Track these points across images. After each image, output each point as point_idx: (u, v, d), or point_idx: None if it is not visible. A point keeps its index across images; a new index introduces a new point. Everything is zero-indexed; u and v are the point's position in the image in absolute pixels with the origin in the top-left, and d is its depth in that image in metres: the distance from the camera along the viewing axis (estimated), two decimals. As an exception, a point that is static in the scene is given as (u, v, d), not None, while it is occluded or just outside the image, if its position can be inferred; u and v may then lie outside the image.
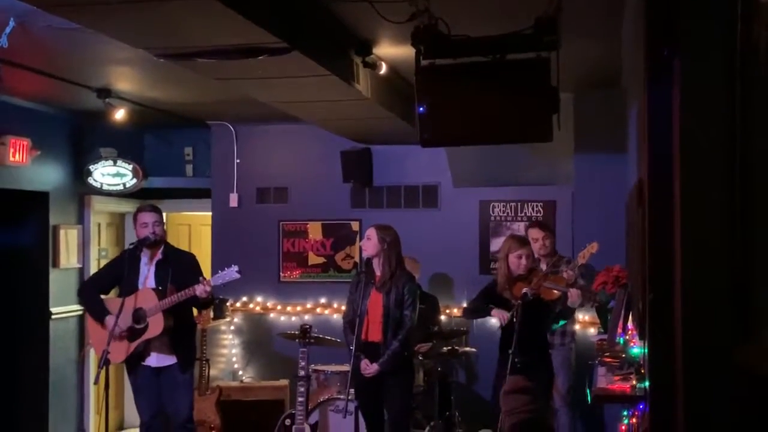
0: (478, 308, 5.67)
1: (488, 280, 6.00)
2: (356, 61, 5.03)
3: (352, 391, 5.37)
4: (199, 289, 5.15)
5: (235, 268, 5.23)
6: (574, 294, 5.38)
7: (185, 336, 5.50)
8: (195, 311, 5.81)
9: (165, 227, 5.79)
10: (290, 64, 4.40)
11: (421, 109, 3.96)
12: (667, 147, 2.58)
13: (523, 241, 5.52)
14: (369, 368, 5.33)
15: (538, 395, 5.21)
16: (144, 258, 5.46)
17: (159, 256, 5.45)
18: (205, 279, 5.21)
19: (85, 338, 7.47)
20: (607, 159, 6.36)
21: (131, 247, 5.44)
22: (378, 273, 5.43)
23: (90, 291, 5.63)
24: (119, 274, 5.42)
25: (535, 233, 6.34)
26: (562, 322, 6.13)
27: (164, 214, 6.02)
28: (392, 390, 5.39)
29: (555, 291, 5.29)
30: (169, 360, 5.41)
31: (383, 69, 5.31)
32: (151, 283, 5.39)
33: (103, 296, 5.56)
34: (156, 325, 5.24)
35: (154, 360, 5.40)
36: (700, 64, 2.39)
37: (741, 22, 2.26)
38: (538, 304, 5.25)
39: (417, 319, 5.46)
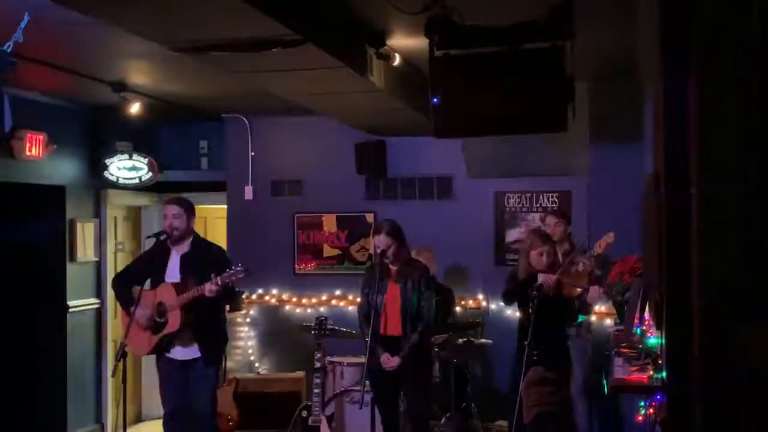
0: (515, 288, 5.45)
1: (503, 271, 5.96)
2: (370, 53, 5.01)
3: (367, 382, 5.37)
4: (207, 288, 5.15)
5: (242, 267, 5.18)
6: (595, 291, 5.34)
7: (209, 330, 5.43)
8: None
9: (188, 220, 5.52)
10: (304, 57, 4.39)
11: (435, 99, 3.95)
12: (683, 137, 2.56)
13: (545, 238, 5.45)
14: (390, 362, 5.31)
15: (560, 387, 5.21)
16: (174, 250, 5.46)
17: (185, 249, 5.45)
18: (214, 277, 5.19)
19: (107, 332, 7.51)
20: (623, 149, 6.33)
21: (162, 239, 5.41)
22: (392, 267, 5.42)
23: (120, 282, 5.62)
24: (148, 265, 5.47)
25: (549, 219, 6.36)
26: (581, 318, 6.10)
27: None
28: (412, 381, 5.38)
29: (576, 288, 5.26)
30: (195, 353, 5.40)
31: (397, 60, 5.30)
32: (175, 276, 5.38)
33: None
34: (174, 321, 5.25)
35: (181, 353, 5.40)
36: (716, 53, 2.37)
37: (757, 10, 2.24)
38: (558, 299, 5.22)
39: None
